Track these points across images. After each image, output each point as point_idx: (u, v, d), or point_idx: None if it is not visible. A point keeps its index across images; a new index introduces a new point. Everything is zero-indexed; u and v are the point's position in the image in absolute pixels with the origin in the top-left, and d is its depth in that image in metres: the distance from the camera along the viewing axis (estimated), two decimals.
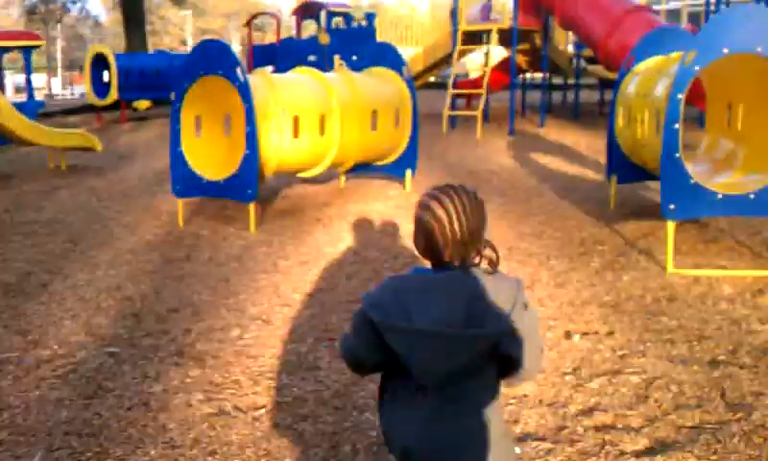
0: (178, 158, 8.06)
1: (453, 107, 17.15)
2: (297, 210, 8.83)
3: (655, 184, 7.98)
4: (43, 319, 5.42)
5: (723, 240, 7.08)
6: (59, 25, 59.97)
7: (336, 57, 10.13)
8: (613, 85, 8.88)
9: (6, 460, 3.54)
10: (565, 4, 15.44)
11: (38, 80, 43.95)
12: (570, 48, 19.90)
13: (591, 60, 18.01)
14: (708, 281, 5.93)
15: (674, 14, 21.71)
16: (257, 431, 3.77)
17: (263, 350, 4.78)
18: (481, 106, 16.19)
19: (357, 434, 3.71)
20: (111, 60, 19.96)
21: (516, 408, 3.90)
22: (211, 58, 7.80)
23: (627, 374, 4.31)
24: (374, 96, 9.35)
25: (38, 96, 23.59)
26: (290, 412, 3.95)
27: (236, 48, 44.98)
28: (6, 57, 19.65)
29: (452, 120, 16.79)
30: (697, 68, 5.97)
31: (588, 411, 3.87)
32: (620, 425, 3.72)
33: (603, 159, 9.61)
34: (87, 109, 22.84)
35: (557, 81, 21.14)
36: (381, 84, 9.67)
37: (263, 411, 3.97)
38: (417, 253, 2.20)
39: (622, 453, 3.47)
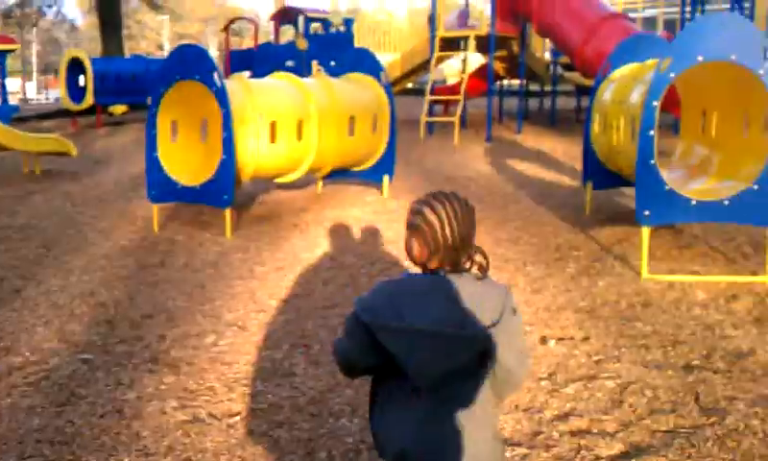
0: (153, 164, 8.00)
1: (431, 113, 17.17)
2: (273, 216, 8.79)
3: (630, 191, 8.03)
4: (15, 325, 5.36)
5: (697, 246, 7.14)
6: (34, 29, 59.45)
7: (314, 62, 10.12)
8: (590, 92, 8.94)
9: None
10: (542, 11, 15.52)
11: (13, 84, 43.58)
12: (547, 55, 20.00)
13: (568, 67, 18.12)
14: (682, 287, 5.97)
15: (650, 22, 21.91)
16: (232, 438, 3.74)
17: (238, 356, 4.75)
18: (458, 112, 16.24)
19: (333, 440, 3.70)
20: (87, 64, 19.80)
21: None
22: (188, 62, 7.76)
23: (602, 379, 4.33)
24: (352, 102, 9.35)
25: (13, 100, 23.38)
26: (265, 419, 3.92)
27: (213, 53, 44.82)
28: None
29: (430, 126, 16.81)
30: (672, 75, 6.03)
31: (564, 416, 3.88)
32: (595, 430, 3.73)
33: (579, 166, 9.67)
34: (62, 113, 22.63)
35: (534, 87, 21.24)
36: (359, 90, 9.67)
37: (238, 418, 3.94)
38: (406, 259, 2.21)
39: (597, 458, 3.48)
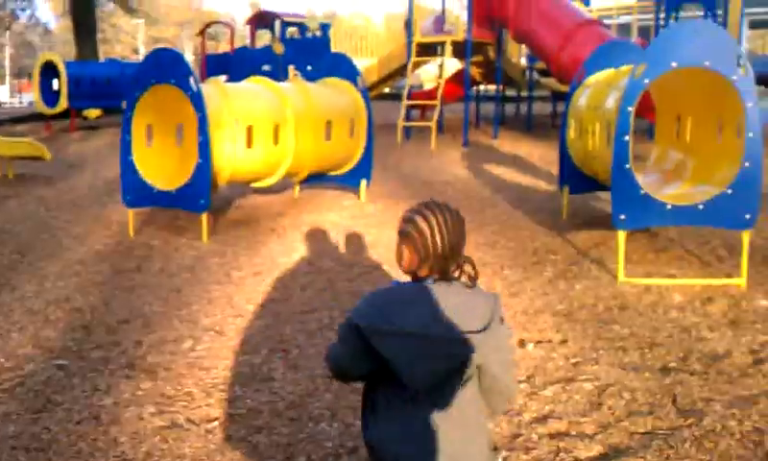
0: (128, 168, 7.94)
1: (408, 117, 17.20)
2: (250, 220, 8.76)
3: (606, 195, 8.10)
4: None
5: (673, 249, 7.20)
6: (7, 32, 58.84)
7: (291, 67, 10.09)
8: (565, 98, 9.00)
9: None
10: (518, 17, 15.61)
11: None
12: (523, 61, 20.09)
13: (544, 73, 18.21)
14: (658, 290, 6.02)
15: (624, 28, 22.08)
16: (211, 444, 3.71)
17: (216, 361, 4.72)
18: (435, 117, 16.26)
19: (312, 445, 3.68)
20: (61, 68, 19.62)
21: None
22: (164, 66, 7.72)
23: (580, 381, 4.35)
24: (329, 106, 9.34)
25: None
26: (244, 424, 3.90)
27: (189, 57, 44.63)
28: None
29: (407, 131, 16.84)
30: (647, 81, 6.08)
31: (543, 419, 3.89)
32: (574, 432, 3.75)
33: (555, 170, 9.72)
34: (36, 117, 22.40)
35: (510, 93, 21.32)
36: (336, 95, 9.66)
37: (216, 423, 3.92)
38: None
39: (576, 460, 3.50)
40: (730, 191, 5.95)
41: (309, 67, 10.14)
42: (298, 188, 10.11)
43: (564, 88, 13.52)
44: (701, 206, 6.07)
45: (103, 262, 7.07)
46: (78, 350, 4.93)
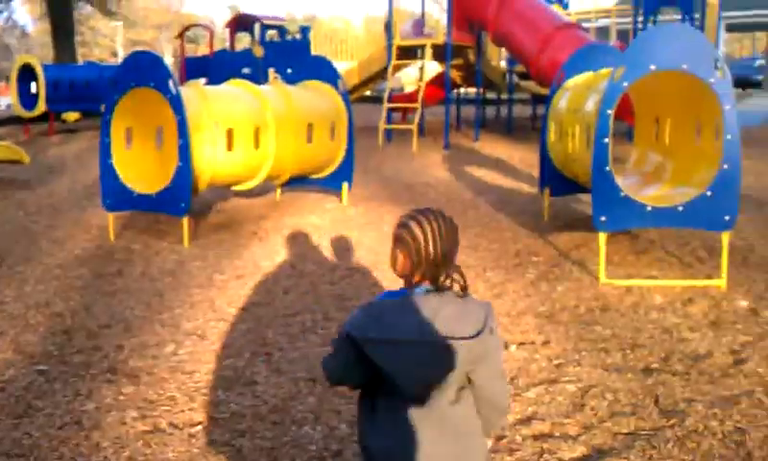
0: (108, 171, 7.89)
1: (389, 120, 17.23)
2: (232, 224, 8.73)
3: (586, 197, 8.15)
4: None
5: (653, 251, 7.25)
6: None
7: (271, 70, 10.04)
8: (545, 101, 9.04)
9: None
10: (498, 21, 15.67)
11: None
12: (503, 64, 20.19)
13: (524, 76, 18.31)
14: (639, 291, 6.06)
15: (603, 32, 22.20)
16: (194, 448, 3.70)
17: (198, 365, 4.70)
18: (416, 119, 16.30)
19: (296, 449, 3.67)
20: (39, 71, 19.45)
21: None
22: (143, 69, 7.67)
23: (563, 382, 4.37)
24: (310, 109, 9.32)
25: None
26: (227, 428, 3.88)
27: (168, 60, 44.41)
28: None
29: (388, 133, 16.86)
30: (625, 84, 6.12)
31: (526, 420, 3.91)
32: (558, 434, 3.77)
33: (536, 173, 9.77)
34: (14, 120, 22.19)
35: (491, 96, 21.42)
36: (317, 98, 9.65)
37: (199, 428, 3.90)
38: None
39: None
40: (709, 193, 6.00)
41: (289, 70, 10.09)
42: (279, 191, 10.09)
43: (544, 91, 13.61)
44: (680, 208, 6.12)
45: (83, 266, 7.01)
46: (59, 354, 4.89)
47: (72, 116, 22.35)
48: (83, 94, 20.40)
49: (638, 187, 7.07)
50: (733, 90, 6.08)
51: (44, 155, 15.82)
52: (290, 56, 18.26)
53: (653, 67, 6.02)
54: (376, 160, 13.88)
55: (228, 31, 24.40)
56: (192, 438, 3.79)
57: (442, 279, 2.21)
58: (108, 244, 7.82)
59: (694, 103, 6.52)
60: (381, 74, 18.70)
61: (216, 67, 20.93)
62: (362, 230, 8.16)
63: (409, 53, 17.28)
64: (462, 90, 21.25)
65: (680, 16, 15.93)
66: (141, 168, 8.18)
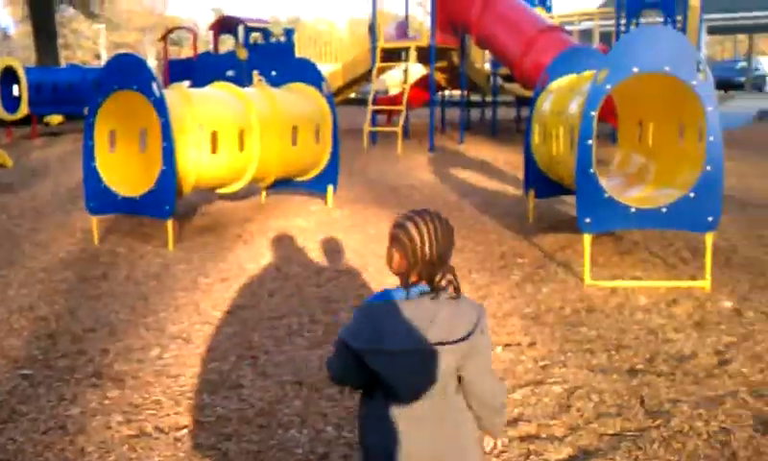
0: (91, 174, 7.84)
1: (373, 122, 17.23)
2: (217, 227, 8.70)
3: (571, 199, 8.17)
4: None
5: (637, 252, 7.29)
6: None
7: (255, 72, 10.02)
8: (529, 103, 9.07)
9: None
10: (481, 24, 15.71)
11: None
12: (487, 66, 20.24)
13: (508, 79, 18.37)
14: (624, 292, 6.09)
15: (586, 34, 22.29)
16: (180, 452, 3.68)
17: (184, 369, 4.68)
18: (401, 122, 16.32)
19: (282, 452, 3.66)
20: (21, 73, 19.32)
21: None
22: (126, 72, 7.63)
23: (549, 384, 4.38)
24: (294, 112, 9.31)
25: None
26: (213, 432, 3.87)
27: (152, 63, 44.24)
28: None
29: (373, 136, 16.87)
30: (608, 87, 6.15)
31: (513, 422, 3.91)
32: (544, 435, 3.78)
33: (521, 175, 9.80)
34: None
35: (475, 98, 21.48)
36: (301, 100, 9.64)
37: (185, 431, 3.88)
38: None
39: None
40: (692, 194, 6.04)
41: (273, 73, 10.07)
42: (264, 194, 10.07)
43: (528, 93, 13.65)
44: (664, 209, 6.15)
45: (67, 270, 6.97)
46: (43, 359, 4.86)
47: (55, 119, 22.20)
48: (65, 97, 20.27)
49: (622, 189, 7.11)
50: (716, 92, 6.13)
51: (27, 158, 15.70)
52: (274, 58, 18.24)
53: (635, 70, 6.05)
54: (361, 163, 13.88)
55: (211, 33, 24.33)
56: (178, 442, 3.77)
57: (437, 279, 2.25)
58: (93, 247, 7.78)
59: (677, 105, 6.57)
60: (366, 76, 18.71)
61: (200, 70, 20.87)
62: (347, 233, 8.15)
63: (393, 55, 17.30)
64: (446, 93, 21.29)
65: (662, 19, 16.02)
66: (125, 171, 8.14)
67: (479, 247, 7.63)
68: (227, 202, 10.08)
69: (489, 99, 20.49)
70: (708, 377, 4.44)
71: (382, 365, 2.23)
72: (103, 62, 41.87)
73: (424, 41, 16.40)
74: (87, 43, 66.95)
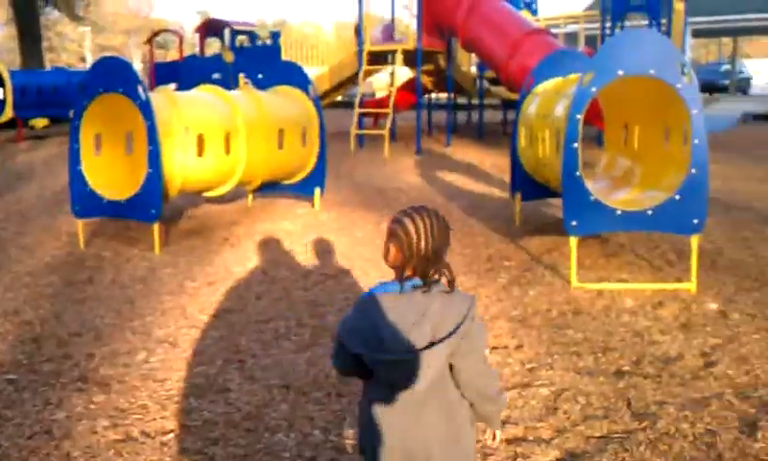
0: (77, 178, 7.80)
1: (360, 125, 17.23)
2: (203, 230, 8.67)
3: (557, 201, 8.20)
4: None
5: (623, 255, 7.32)
6: None
7: (241, 75, 10.00)
8: (515, 106, 9.09)
9: None
10: (467, 27, 15.74)
11: None
12: (474, 69, 20.28)
13: (494, 82, 18.39)
14: (610, 295, 6.11)
15: (571, 38, 22.37)
16: (166, 457, 3.66)
17: (170, 373, 4.66)
18: (388, 125, 16.32)
19: (269, 456, 3.66)
20: (6, 76, 19.21)
21: None
22: (111, 75, 7.60)
23: (536, 386, 4.39)
24: (281, 115, 9.30)
25: None
26: (200, 436, 3.86)
27: (137, 65, 44.03)
28: None
29: (360, 139, 16.87)
30: (594, 89, 6.18)
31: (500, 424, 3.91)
32: (531, 438, 3.79)
33: (507, 178, 9.81)
34: None
35: (461, 101, 21.51)
36: (288, 103, 9.63)
37: (172, 436, 3.86)
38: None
39: None
40: (678, 197, 6.07)
41: (260, 76, 10.05)
42: (251, 197, 10.05)
43: (514, 96, 13.67)
44: (650, 212, 6.18)
45: (53, 274, 6.93)
46: (28, 363, 4.82)
47: (40, 122, 22.10)
48: (51, 100, 20.17)
49: (608, 191, 7.13)
50: (700, 95, 6.16)
51: (12, 161, 15.62)
52: (260, 61, 18.22)
53: (621, 73, 6.08)
54: (348, 166, 13.88)
55: (197, 36, 24.28)
56: (164, 446, 3.76)
57: (431, 273, 2.32)
58: (78, 251, 7.74)
59: (662, 108, 6.60)
60: (352, 79, 18.71)
61: (186, 73, 20.79)
62: (335, 236, 8.15)
63: (380, 58, 17.30)
64: (433, 95, 21.32)
65: (647, 22, 16.10)
66: (111, 174, 8.10)
67: (466, 250, 7.64)
68: (213, 205, 10.06)
69: (475, 102, 20.51)
70: (693, 379, 4.46)
71: (378, 364, 2.32)
72: (88, 65, 41.66)
73: (411, 44, 16.41)
74: (72, 46, 66.60)
